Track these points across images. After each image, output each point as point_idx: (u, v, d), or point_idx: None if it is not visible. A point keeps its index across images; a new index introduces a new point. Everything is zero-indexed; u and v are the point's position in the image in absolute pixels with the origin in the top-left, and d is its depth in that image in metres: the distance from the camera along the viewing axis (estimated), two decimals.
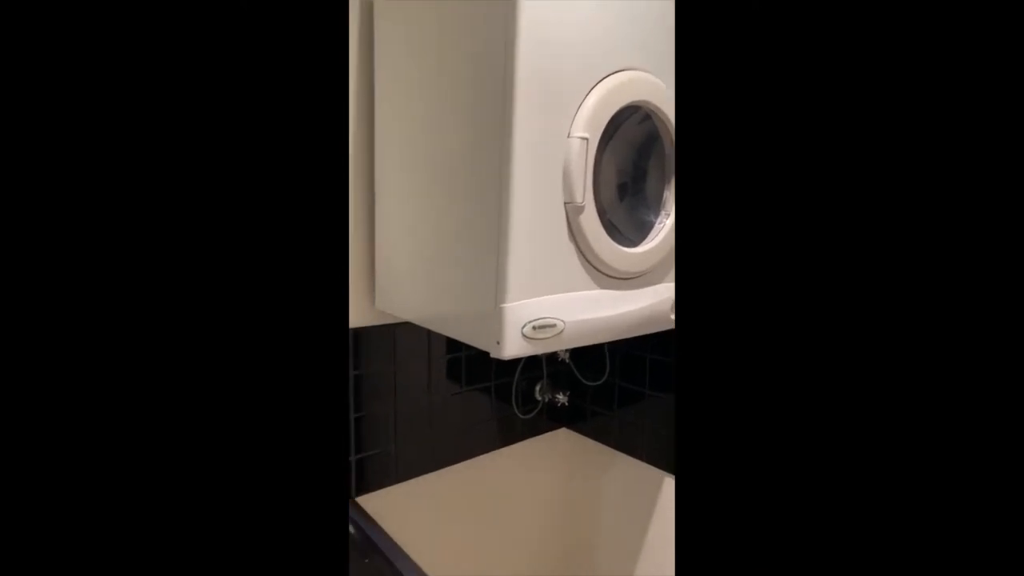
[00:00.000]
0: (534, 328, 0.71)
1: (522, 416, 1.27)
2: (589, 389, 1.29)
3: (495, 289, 0.70)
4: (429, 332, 1.11)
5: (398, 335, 1.06)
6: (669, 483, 1.17)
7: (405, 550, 0.86)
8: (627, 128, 0.84)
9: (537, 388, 1.29)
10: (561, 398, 1.28)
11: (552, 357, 1.29)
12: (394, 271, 0.94)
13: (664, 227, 0.84)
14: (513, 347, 0.70)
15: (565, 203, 0.71)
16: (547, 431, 1.35)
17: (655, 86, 0.76)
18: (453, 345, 1.15)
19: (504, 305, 0.69)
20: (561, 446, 1.37)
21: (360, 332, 1.01)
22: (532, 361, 1.27)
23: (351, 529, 0.93)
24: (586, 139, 0.70)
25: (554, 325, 0.73)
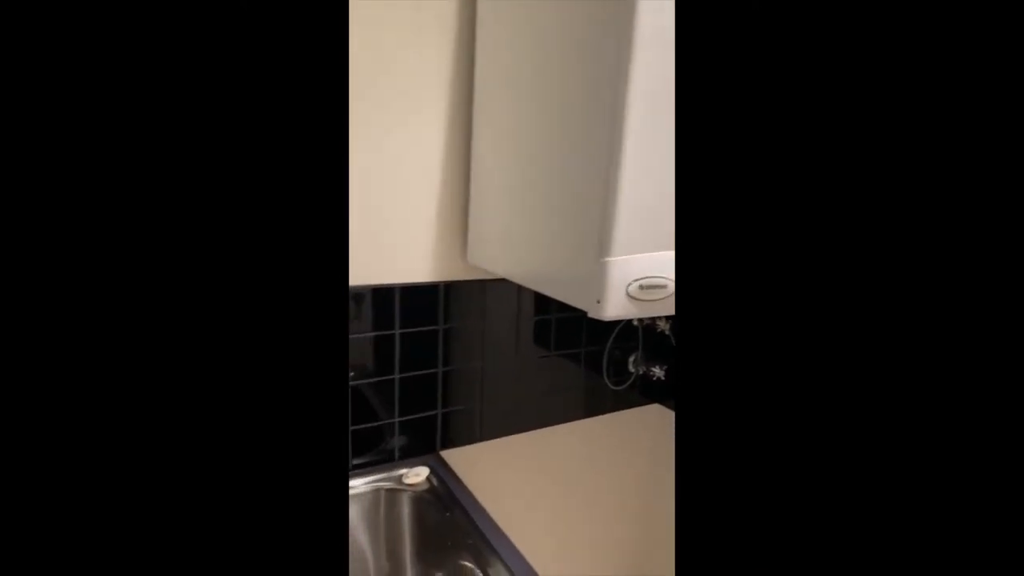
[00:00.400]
0: (640, 287, 0.63)
1: (613, 387, 1.20)
2: None
3: (599, 243, 0.63)
4: (519, 291, 1.06)
5: (488, 292, 1.03)
6: None
7: (484, 506, 0.85)
8: None
9: (631, 359, 1.20)
10: (657, 372, 1.19)
11: (650, 327, 1.20)
12: (488, 225, 0.89)
13: None
14: (615, 307, 0.63)
15: None
16: (638, 406, 1.27)
17: None
18: (542, 306, 1.10)
19: (608, 259, 0.62)
20: (652, 423, 1.29)
21: (450, 286, 0.98)
22: (627, 330, 1.19)
23: (433, 481, 0.93)
24: None
25: (664, 286, 0.64)
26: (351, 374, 0.91)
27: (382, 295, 0.92)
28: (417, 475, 0.93)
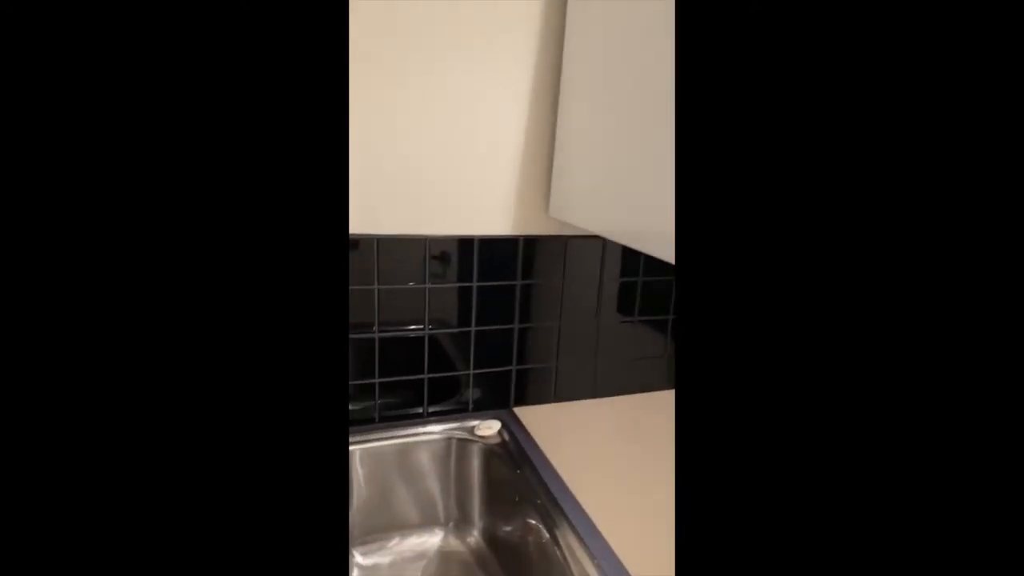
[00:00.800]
0: None
1: None
2: None
3: None
4: (604, 249, 1.00)
5: (570, 249, 0.98)
6: None
7: (554, 466, 0.82)
8: None
9: None
10: None
11: None
12: (574, 177, 0.84)
13: None
14: None
15: None
16: None
17: None
18: (629, 268, 1.03)
19: None
20: None
21: (531, 240, 0.95)
22: None
23: (505, 435, 0.92)
24: None
25: None
26: (428, 326, 0.92)
27: (462, 246, 0.91)
28: (489, 428, 0.93)
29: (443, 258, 0.91)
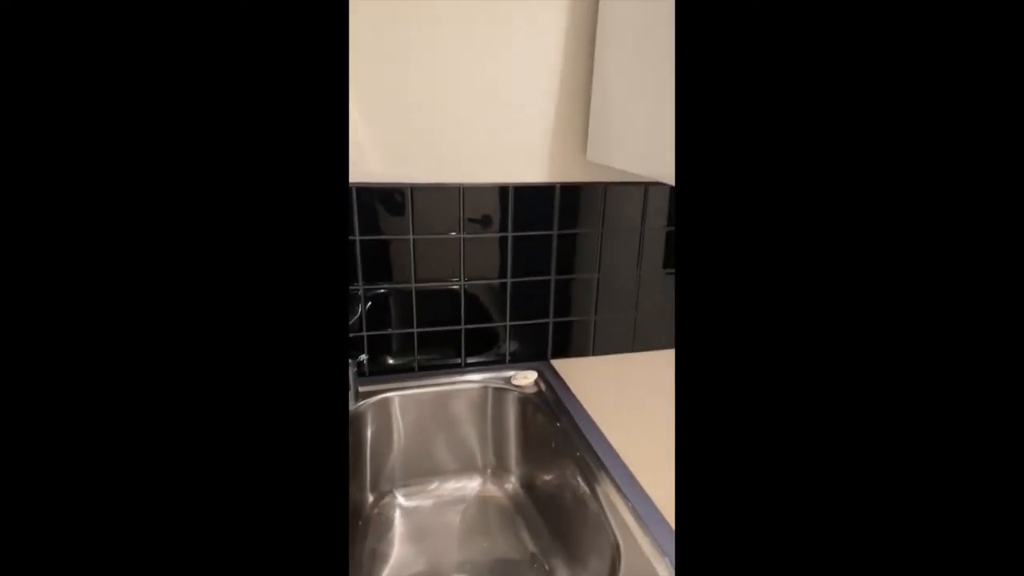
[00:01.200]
0: None
1: None
2: None
3: None
4: (645, 196, 0.96)
5: (609, 196, 0.94)
6: None
7: (593, 419, 0.81)
8: None
9: None
10: None
11: None
12: (615, 116, 0.79)
13: None
14: None
15: None
16: None
17: None
18: (673, 217, 0.98)
19: None
20: None
21: (568, 188, 0.91)
22: None
23: (541, 385, 0.92)
24: None
25: None
26: (464, 276, 0.91)
27: (494, 194, 0.89)
28: (525, 377, 0.92)
29: (483, 221, 0.89)
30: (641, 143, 0.71)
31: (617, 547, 0.59)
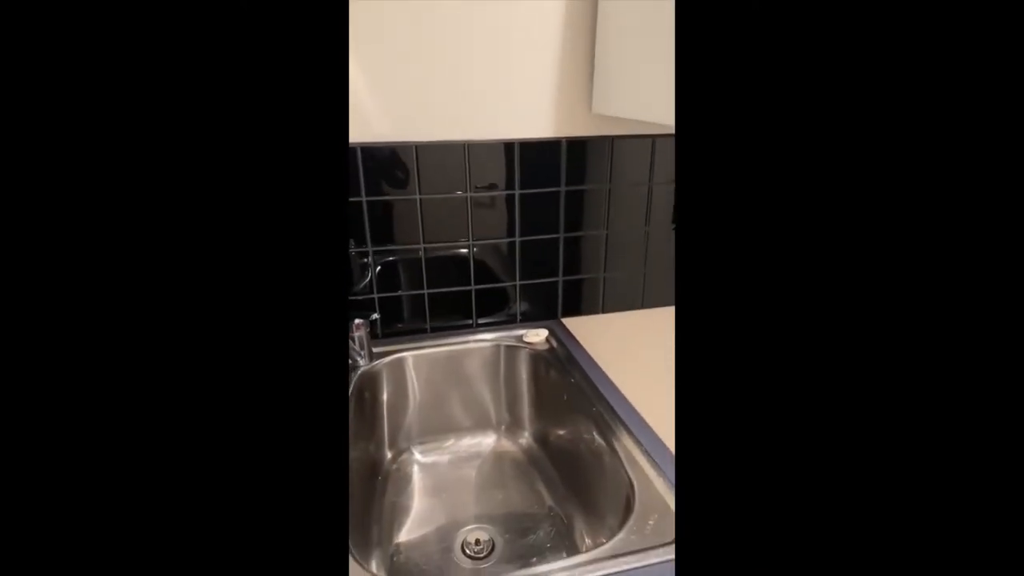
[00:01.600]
0: None
1: None
2: None
3: None
4: (653, 149, 0.95)
5: (617, 150, 0.93)
6: None
7: (606, 373, 0.82)
8: None
9: None
10: None
11: None
12: (620, 66, 0.78)
13: None
14: None
15: None
16: None
17: None
18: None
19: None
20: None
21: (575, 143, 0.90)
22: None
23: (553, 342, 0.93)
24: None
25: None
26: (472, 236, 0.91)
27: (500, 151, 0.88)
28: (537, 335, 0.93)
29: (490, 188, 0.89)
30: (647, 88, 0.70)
31: (631, 484, 0.60)
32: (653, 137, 0.94)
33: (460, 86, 0.84)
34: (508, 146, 0.88)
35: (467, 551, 0.74)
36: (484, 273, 0.95)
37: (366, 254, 0.89)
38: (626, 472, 0.62)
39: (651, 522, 0.55)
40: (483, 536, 0.76)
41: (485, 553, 0.74)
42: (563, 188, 0.93)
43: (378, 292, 0.91)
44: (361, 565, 0.51)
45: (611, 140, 0.92)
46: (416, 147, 0.85)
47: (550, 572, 0.50)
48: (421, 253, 0.90)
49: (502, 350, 0.94)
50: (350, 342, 0.85)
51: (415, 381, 0.92)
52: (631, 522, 0.55)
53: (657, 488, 0.60)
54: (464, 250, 0.92)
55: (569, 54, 0.86)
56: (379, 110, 0.83)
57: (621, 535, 0.54)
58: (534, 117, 0.88)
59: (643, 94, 0.72)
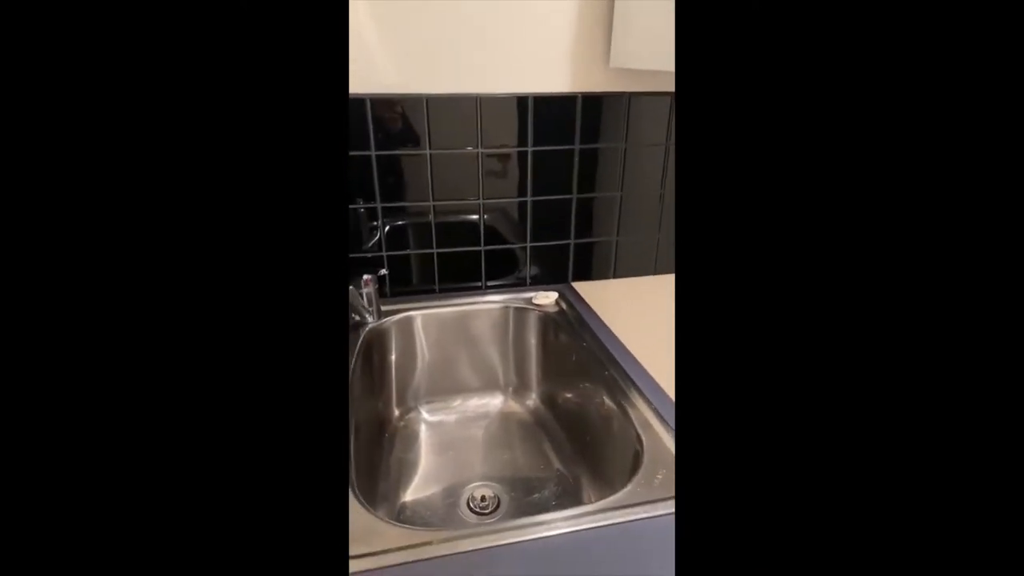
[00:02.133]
0: None
1: None
2: None
3: None
4: (671, 108, 0.91)
5: (634, 108, 0.90)
6: None
7: (617, 336, 0.81)
8: None
9: None
10: None
11: None
12: (641, 16, 0.74)
13: None
14: None
15: None
16: None
17: None
18: None
19: None
20: None
21: (590, 98, 0.87)
22: None
23: (562, 304, 0.91)
24: None
25: None
26: (483, 195, 0.89)
27: (512, 105, 0.85)
28: (546, 297, 0.92)
29: (501, 157, 0.87)
30: (667, 37, 0.67)
31: (640, 442, 0.59)
32: (671, 94, 0.90)
33: (474, 36, 0.81)
34: (522, 100, 0.85)
35: (473, 506, 0.74)
36: (494, 235, 0.93)
37: (375, 211, 0.87)
38: (637, 432, 0.61)
39: (659, 476, 0.54)
40: (489, 493, 0.76)
41: (491, 509, 0.74)
42: (577, 146, 0.90)
43: (387, 250, 0.90)
44: (368, 510, 0.51)
45: (628, 97, 0.89)
46: (427, 99, 0.82)
47: (554, 520, 0.49)
48: (431, 210, 0.89)
49: (511, 312, 0.92)
50: (359, 297, 0.85)
51: (423, 340, 0.91)
52: (639, 475, 0.55)
53: (667, 445, 0.59)
54: (474, 210, 0.90)
55: (587, 3, 0.83)
56: (390, 61, 0.80)
57: (628, 487, 0.53)
58: (549, 70, 0.85)
59: (663, 43, 0.68)
